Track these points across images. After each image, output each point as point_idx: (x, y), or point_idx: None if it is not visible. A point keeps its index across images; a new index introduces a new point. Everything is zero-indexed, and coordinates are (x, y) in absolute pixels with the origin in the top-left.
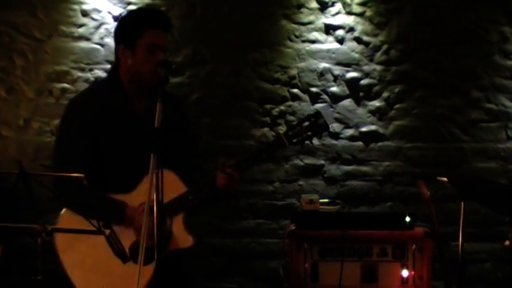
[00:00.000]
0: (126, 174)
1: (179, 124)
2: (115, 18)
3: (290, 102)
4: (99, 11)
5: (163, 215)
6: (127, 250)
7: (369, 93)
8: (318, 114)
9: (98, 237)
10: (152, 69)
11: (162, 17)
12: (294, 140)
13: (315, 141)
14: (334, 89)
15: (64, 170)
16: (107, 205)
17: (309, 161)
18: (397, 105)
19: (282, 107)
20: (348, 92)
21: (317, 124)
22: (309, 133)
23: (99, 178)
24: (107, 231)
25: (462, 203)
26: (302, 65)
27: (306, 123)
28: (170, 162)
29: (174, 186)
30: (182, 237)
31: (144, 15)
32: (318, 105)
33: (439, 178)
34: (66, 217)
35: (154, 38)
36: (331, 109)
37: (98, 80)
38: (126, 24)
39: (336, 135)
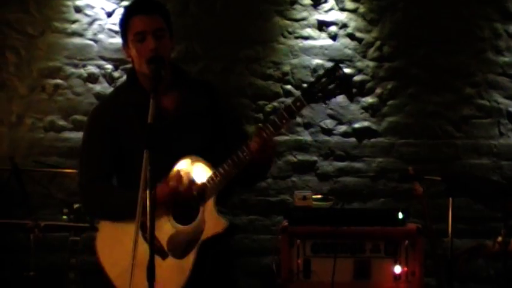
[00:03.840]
0: (154, 171)
1: (207, 108)
2: (108, 14)
3: (283, 99)
4: (92, 7)
5: (154, 212)
6: (165, 245)
7: (362, 89)
8: (335, 67)
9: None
10: (144, 60)
11: (142, 1)
12: (315, 98)
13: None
14: None
15: (90, 178)
16: (135, 200)
17: (301, 157)
18: (390, 102)
19: (275, 103)
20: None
21: (336, 77)
22: (332, 86)
23: (129, 180)
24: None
25: (451, 199)
26: (295, 61)
27: (324, 79)
28: (205, 148)
29: (200, 172)
30: (215, 221)
31: (129, 6)
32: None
33: (429, 177)
34: (104, 225)
35: (136, 25)
36: (324, 105)
37: (120, 84)
38: (120, 21)
39: (328, 132)
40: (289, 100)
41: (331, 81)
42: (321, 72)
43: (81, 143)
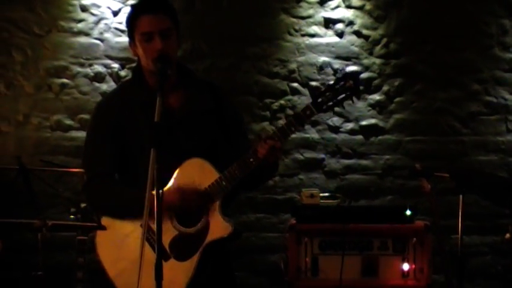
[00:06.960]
0: (159, 169)
1: (212, 110)
2: (114, 13)
3: (290, 97)
4: (98, 6)
5: (162, 211)
6: (167, 247)
7: (369, 86)
8: (346, 76)
9: (138, 237)
10: (151, 60)
11: (149, 1)
12: (324, 107)
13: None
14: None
15: (93, 174)
16: (138, 198)
17: (309, 154)
18: (397, 99)
19: (282, 101)
20: None
21: (347, 88)
22: (342, 96)
23: (132, 178)
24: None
25: (461, 196)
26: (301, 59)
27: (336, 87)
28: (209, 148)
29: (206, 175)
30: (219, 225)
31: (136, 5)
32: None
33: (438, 174)
34: (107, 221)
35: (143, 25)
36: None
37: (124, 80)
38: (126, 19)
39: (336, 129)
40: (295, 98)
41: (341, 91)
42: (328, 70)
43: (85, 138)
